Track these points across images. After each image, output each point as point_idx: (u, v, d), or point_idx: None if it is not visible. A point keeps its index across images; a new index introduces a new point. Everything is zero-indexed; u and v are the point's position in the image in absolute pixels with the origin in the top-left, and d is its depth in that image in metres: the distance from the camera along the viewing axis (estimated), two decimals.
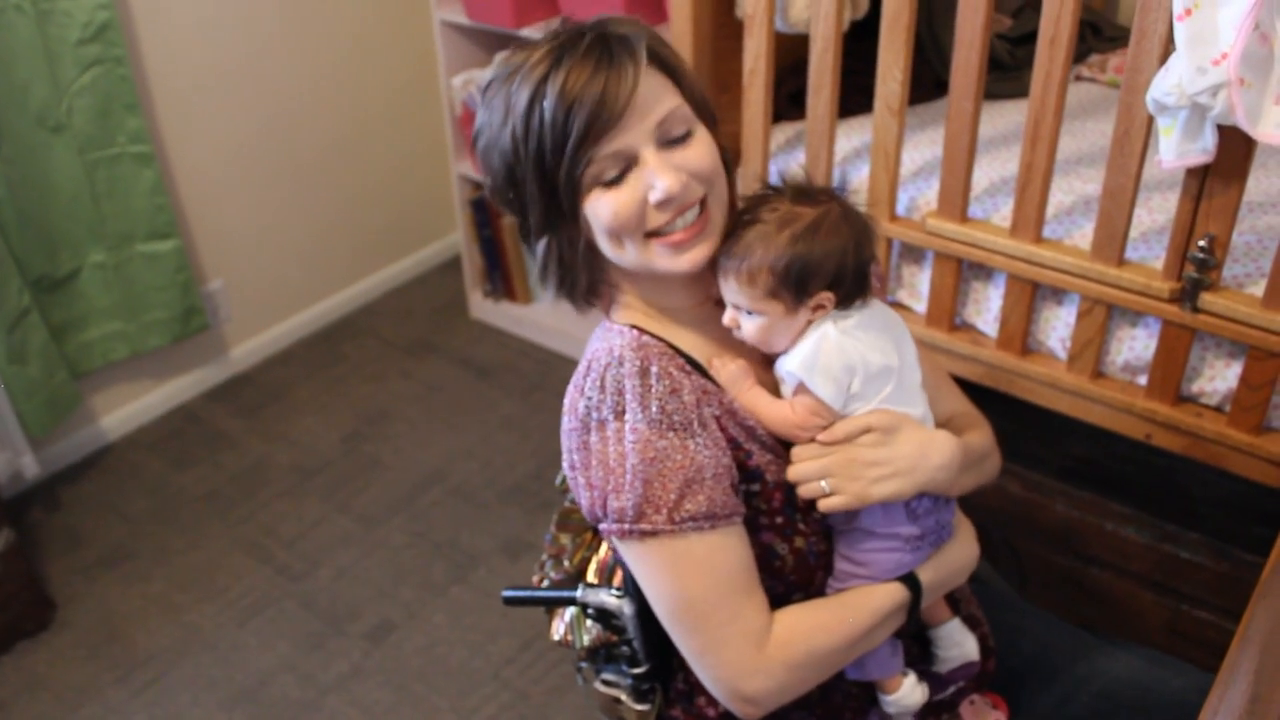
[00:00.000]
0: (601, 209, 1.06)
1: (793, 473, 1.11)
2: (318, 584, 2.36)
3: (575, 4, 2.53)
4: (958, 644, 1.24)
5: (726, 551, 1.07)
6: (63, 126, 2.39)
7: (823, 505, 1.10)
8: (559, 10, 2.66)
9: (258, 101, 2.83)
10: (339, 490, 2.61)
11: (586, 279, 1.14)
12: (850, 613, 1.11)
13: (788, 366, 1.11)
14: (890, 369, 1.12)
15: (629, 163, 1.05)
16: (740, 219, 1.11)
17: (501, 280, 3.14)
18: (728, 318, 1.13)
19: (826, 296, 1.09)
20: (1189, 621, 1.84)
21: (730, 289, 1.11)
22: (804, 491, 1.11)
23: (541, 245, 1.13)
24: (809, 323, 1.11)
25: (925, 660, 1.26)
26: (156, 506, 2.59)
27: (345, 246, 3.22)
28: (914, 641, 1.26)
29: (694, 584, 1.07)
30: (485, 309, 3.20)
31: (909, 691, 1.20)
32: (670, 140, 1.06)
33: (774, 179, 1.23)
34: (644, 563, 1.09)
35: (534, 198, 1.08)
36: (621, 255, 1.10)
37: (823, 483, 1.10)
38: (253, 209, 2.92)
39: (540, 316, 3.10)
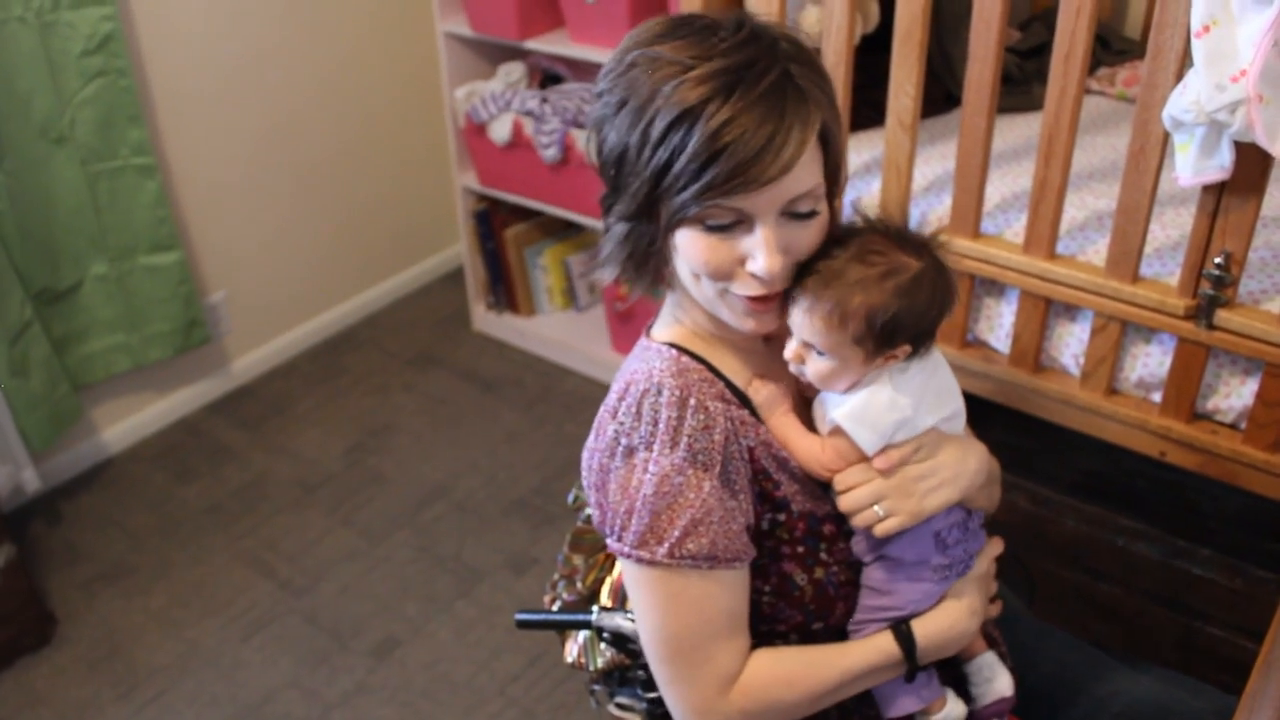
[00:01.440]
0: (695, 250, 1.02)
1: (845, 503, 1.09)
2: (321, 599, 2.34)
3: (580, 17, 2.52)
4: (989, 679, 1.23)
5: (719, 595, 1.08)
6: (65, 138, 2.38)
7: (880, 529, 1.09)
8: (563, 22, 2.66)
9: (260, 114, 2.82)
10: (342, 504, 2.60)
11: (653, 279, 1.11)
12: (819, 669, 1.12)
13: (834, 415, 1.09)
14: (935, 420, 1.12)
15: (742, 220, 1.01)
16: (830, 252, 1.04)
17: (504, 293, 3.13)
18: (791, 352, 1.09)
19: (904, 350, 1.06)
20: (1201, 638, 1.83)
21: (809, 327, 1.05)
22: (859, 521, 1.09)
23: (619, 230, 1.08)
24: (873, 369, 1.08)
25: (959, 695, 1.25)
26: (158, 520, 2.57)
27: (348, 258, 3.20)
28: (947, 675, 1.25)
29: (679, 620, 1.08)
30: (488, 321, 3.19)
31: (952, 707, 1.18)
32: (793, 214, 1.02)
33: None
34: (638, 586, 1.10)
35: (634, 192, 1.02)
36: (697, 289, 1.07)
37: (877, 508, 1.08)
38: (255, 221, 2.91)
39: (543, 329, 3.09)
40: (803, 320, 1.06)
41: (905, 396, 1.08)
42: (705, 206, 0.98)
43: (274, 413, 2.92)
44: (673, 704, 1.13)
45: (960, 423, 1.17)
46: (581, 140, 2.58)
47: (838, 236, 1.07)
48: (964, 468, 1.13)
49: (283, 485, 2.66)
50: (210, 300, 2.85)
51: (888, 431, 1.08)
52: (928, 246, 1.06)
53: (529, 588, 2.33)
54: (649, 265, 1.09)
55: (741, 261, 1.02)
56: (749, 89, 0.95)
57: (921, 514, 1.09)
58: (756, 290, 1.03)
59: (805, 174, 0.99)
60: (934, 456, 1.11)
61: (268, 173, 2.89)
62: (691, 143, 0.95)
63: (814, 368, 1.08)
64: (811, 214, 1.03)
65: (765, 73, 0.96)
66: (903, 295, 1.02)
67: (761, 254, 1.00)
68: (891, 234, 1.06)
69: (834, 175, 1.06)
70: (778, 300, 1.06)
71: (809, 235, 1.03)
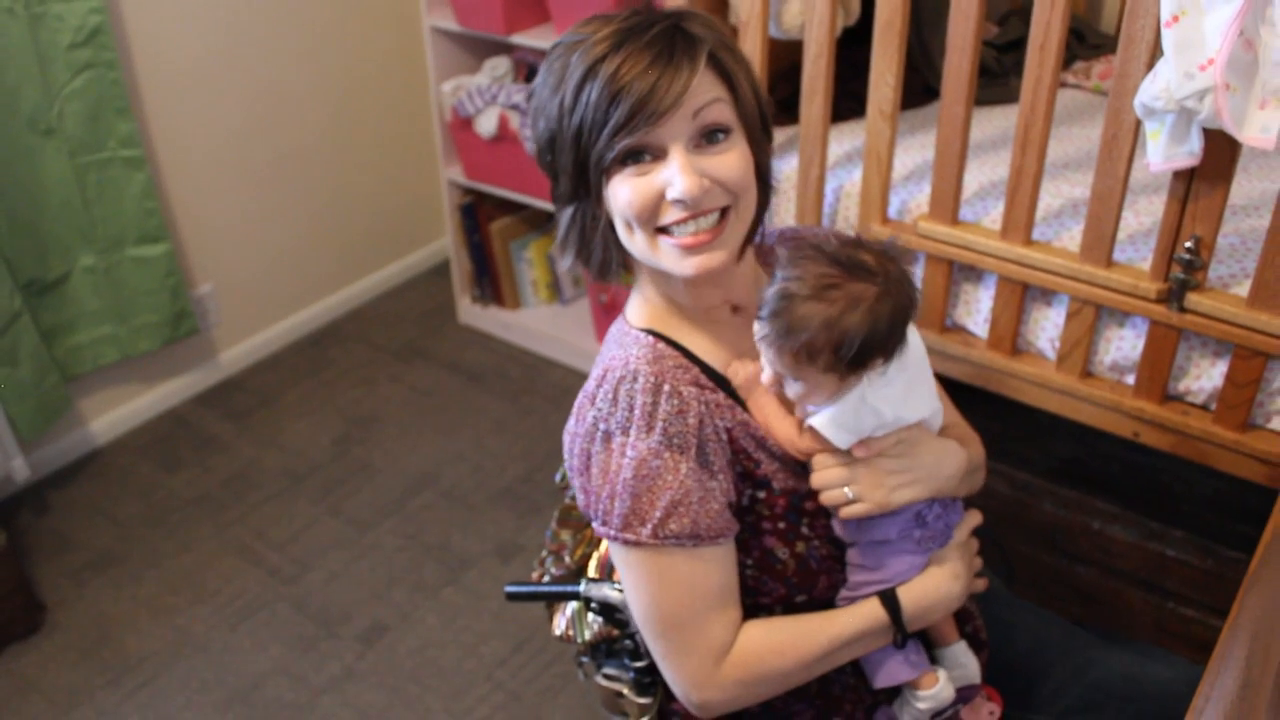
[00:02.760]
0: (620, 193, 1.07)
1: (816, 480, 1.13)
2: (309, 586, 2.36)
3: (565, 12, 2.55)
4: (961, 665, 1.26)
5: (706, 570, 1.12)
6: (54, 130, 2.39)
7: (844, 512, 1.13)
8: (549, 17, 2.68)
9: (248, 107, 2.84)
10: (329, 494, 2.62)
11: (602, 255, 1.15)
12: (809, 638, 1.15)
13: (810, 421, 1.12)
14: (916, 418, 1.15)
15: (656, 155, 1.06)
16: (785, 286, 1.06)
17: (490, 285, 3.15)
18: (767, 378, 1.12)
19: (878, 363, 1.08)
20: (1175, 619, 1.87)
21: (779, 363, 1.09)
22: (826, 499, 1.13)
23: (567, 214, 1.14)
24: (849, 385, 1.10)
25: None
26: (147, 510, 2.59)
27: (334, 251, 3.22)
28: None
29: (669, 596, 1.12)
30: (474, 314, 3.21)
31: (943, 687, 1.22)
32: (703, 142, 1.06)
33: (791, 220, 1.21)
34: (627, 567, 1.14)
35: (565, 168, 1.09)
36: (632, 243, 1.11)
37: (846, 490, 1.12)
38: (242, 213, 2.93)
39: (528, 321, 3.11)
40: (772, 357, 1.09)
41: (882, 403, 1.11)
42: (617, 149, 1.04)
43: (261, 404, 2.93)
44: (670, 677, 1.16)
45: (937, 422, 1.20)
46: None
47: (784, 265, 1.08)
48: (938, 470, 1.17)
49: (271, 475, 2.68)
50: (198, 292, 2.87)
51: (864, 432, 1.12)
52: (883, 259, 1.08)
53: (516, 574, 2.36)
54: (597, 241, 1.13)
55: (664, 195, 1.06)
56: (638, 39, 1.04)
57: (888, 506, 1.13)
58: (680, 214, 1.06)
59: (702, 94, 1.04)
60: (911, 453, 1.15)
61: (255, 166, 2.91)
62: (594, 96, 1.03)
63: (791, 391, 1.11)
64: (722, 140, 1.07)
65: (654, 25, 1.05)
66: (865, 324, 1.04)
67: (677, 177, 1.04)
68: (843, 260, 1.07)
69: (747, 114, 1.10)
70: (712, 239, 1.08)
71: (725, 161, 1.07)
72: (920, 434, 1.16)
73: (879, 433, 1.13)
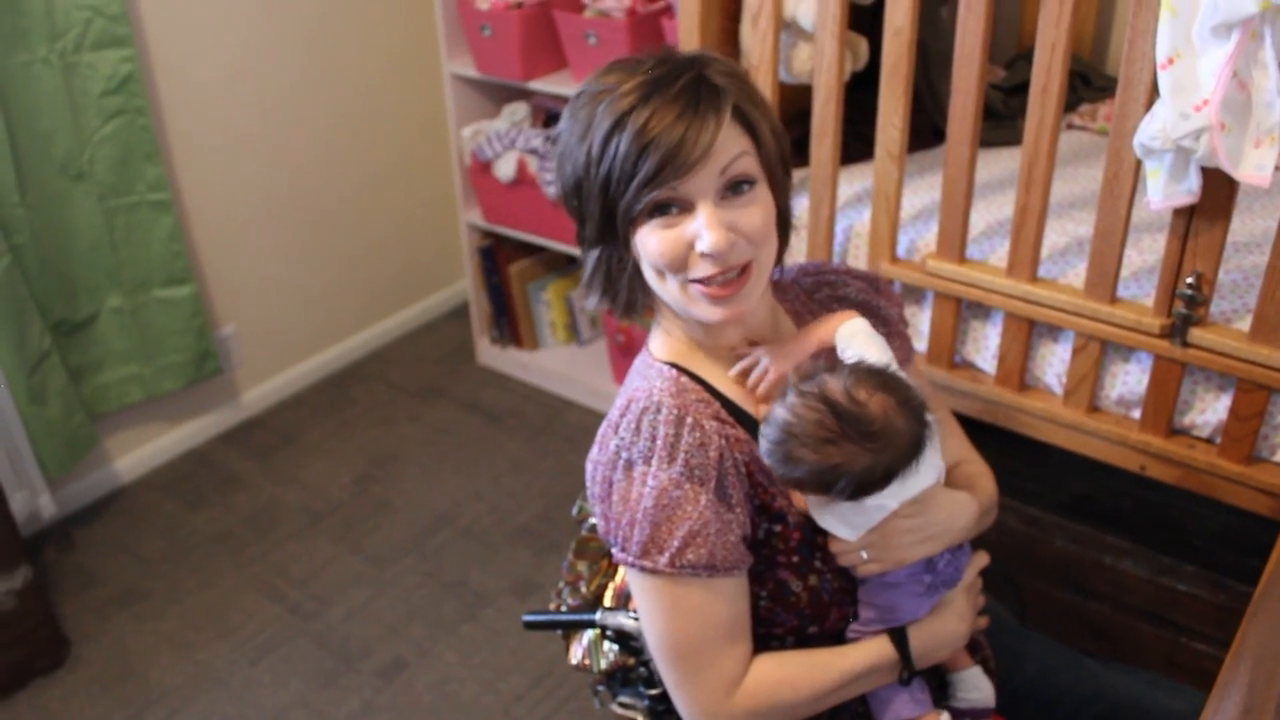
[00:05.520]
0: (649, 243, 1.11)
1: (833, 546, 1.17)
2: (330, 622, 2.39)
3: (581, 59, 2.61)
4: (976, 689, 1.28)
5: (720, 602, 1.14)
6: (84, 175, 2.46)
7: (861, 571, 1.17)
8: (566, 64, 2.75)
9: (273, 152, 2.91)
10: (350, 531, 2.65)
11: (627, 297, 1.18)
12: (819, 672, 1.17)
13: (821, 521, 1.15)
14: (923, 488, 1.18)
15: (684, 208, 1.09)
16: (786, 423, 1.09)
17: (508, 327, 3.20)
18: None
19: (879, 491, 1.11)
20: (1187, 653, 1.87)
21: (780, 482, 1.14)
22: (842, 561, 1.17)
23: (593, 256, 1.17)
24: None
25: (941, 701, 1.30)
26: (169, 547, 2.62)
27: (356, 294, 3.28)
28: (932, 677, 1.31)
29: (683, 626, 1.14)
30: (492, 355, 3.25)
31: None
32: (729, 194, 1.10)
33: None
34: (643, 594, 1.16)
35: (593, 214, 1.12)
36: (664, 289, 1.15)
37: (862, 553, 1.16)
38: (266, 256, 2.99)
39: (546, 362, 3.16)
40: (781, 477, 1.13)
41: (886, 498, 1.13)
42: (646, 200, 1.07)
43: (283, 443, 2.98)
44: (681, 706, 1.18)
45: (942, 476, 1.22)
46: None
47: (801, 392, 1.10)
48: (951, 525, 1.20)
49: (292, 513, 2.72)
50: (221, 333, 2.93)
51: (872, 524, 1.15)
52: (891, 413, 1.09)
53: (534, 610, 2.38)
54: (624, 283, 1.17)
55: (692, 246, 1.09)
56: (665, 90, 1.06)
57: (903, 563, 1.16)
58: (710, 270, 1.10)
59: (728, 149, 1.08)
60: (924, 513, 1.18)
61: (279, 209, 2.98)
62: (623, 146, 1.06)
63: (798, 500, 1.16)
64: (748, 192, 1.10)
65: (680, 76, 1.07)
66: (856, 478, 1.08)
67: (705, 231, 1.08)
68: (846, 414, 1.07)
69: (769, 161, 1.13)
70: (737, 288, 1.12)
71: (749, 214, 1.10)
72: (933, 492, 1.19)
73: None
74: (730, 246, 1.09)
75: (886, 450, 1.08)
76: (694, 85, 1.07)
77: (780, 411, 1.10)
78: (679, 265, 1.11)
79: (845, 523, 1.14)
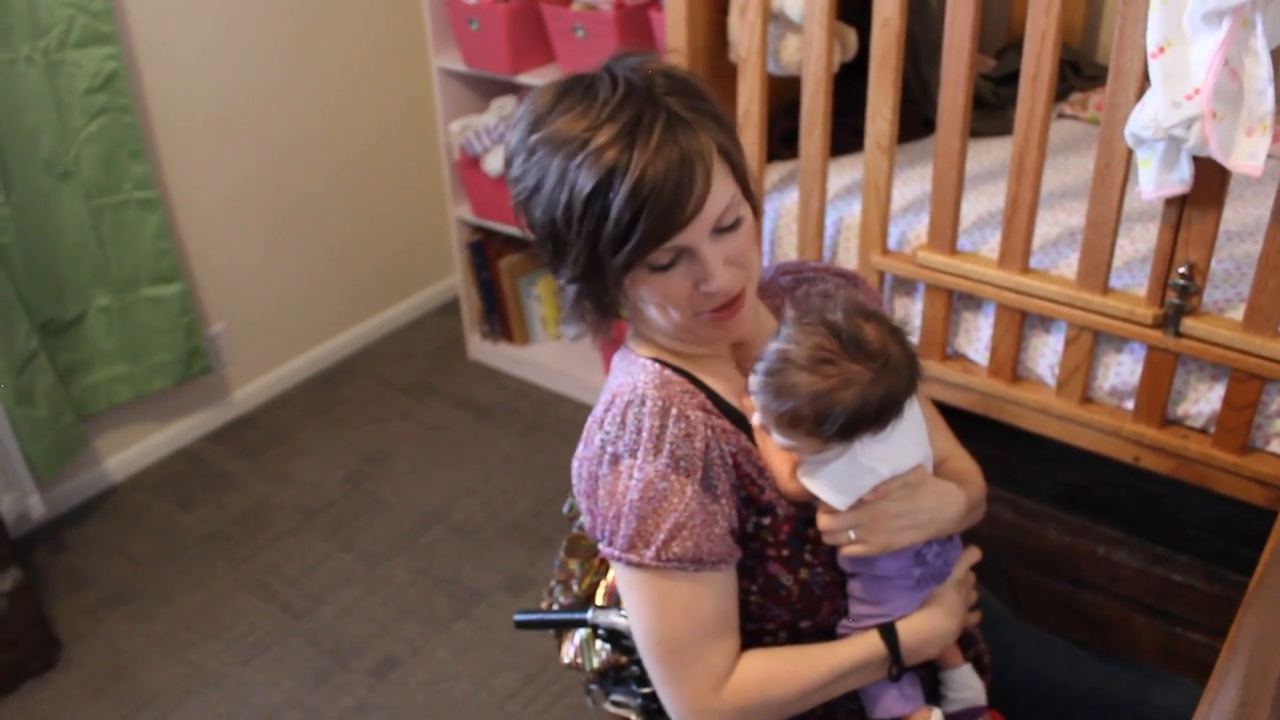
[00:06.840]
0: (654, 291, 1.11)
1: (822, 523, 1.16)
2: (322, 621, 2.38)
3: (570, 52, 2.60)
4: (967, 687, 1.28)
5: (707, 596, 1.13)
6: (70, 173, 2.44)
7: (846, 551, 1.15)
8: (554, 57, 2.73)
9: (260, 149, 2.89)
10: (342, 529, 2.64)
11: (609, 323, 1.19)
12: (808, 668, 1.17)
13: (803, 480, 1.14)
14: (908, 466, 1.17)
15: (681, 253, 1.09)
16: (783, 350, 1.09)
17: (499, 322, 3.19)
18: (757, 423, 1.15)
19: (865, 436, 1.10)
20: (1182, 643, 1.87)
21: (766, 418, 1.12)
22: (830, 540, 1.16)
23: (571, 291, 1.16)
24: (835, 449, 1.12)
25: (933, 699, 1.30)
26: (161, 547, 2.61)
27: (345, 290, 3.27)
28: (926, 674, 1.30)
29: (670, 621, 1.13)
30: (483, 350, 3.24)
31: None
32: (723, 229, 1.09)
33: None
34: (630, 589, 1.16)
35: (573, 260, 1.09)
36: (666, 319, 1.14)
37: (850, 533, 1.15)
38: (255, 254, 2.98)
39: (537, 357, 3.14)
40: (761, 414, 1.12)
41: (877, 461, 1.13)
42: (644, 258, 1.06)
43: (274, 441, 2.96)
44: (668, 702, 1.17)
45: (930, 464, 1.22)
46: None
47: (788, 329, 1.11)
48: (939, 515, 1.19)
49: (283, 511, 2.71)
50: (211, 331, 2.91)
51: (861, 492, 1.14)
52: (887, 339, 1.09)
53: (526, 607, 2.36)
54: (607, 312, 1.17)
55: (697, 285, 1.10)
56: (645, 143, 1.02)
57: (889, 548, 1.15)
58: (717, 304, 1.12)
59: (720, 195, 1.07)
60: (913, 498, 1.17)
61: (267, 206, 2.96)
62: (613, 210, 1.03)
63: (778, 442, 1.14)
64: (737, 222, 1.11)
65: (653, 122, 1.03)
66: (853, 404, 1.06)
67: (712, 274, 1.08)
68: (844, 335, 1.08)
69: (744, 179, 1.13)
70: (740, 306, 1.14)
71: (740, 242, 1.11)
72: (922, 477, 1.19)
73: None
74: (732, 281, 1.11)
75: (884, 374, 1.07)
76: (669, 130, 1.03)
77: (776, 344, 1.10)
78: (685, 305, 1.12)
79: (836, 487, 1.12)
